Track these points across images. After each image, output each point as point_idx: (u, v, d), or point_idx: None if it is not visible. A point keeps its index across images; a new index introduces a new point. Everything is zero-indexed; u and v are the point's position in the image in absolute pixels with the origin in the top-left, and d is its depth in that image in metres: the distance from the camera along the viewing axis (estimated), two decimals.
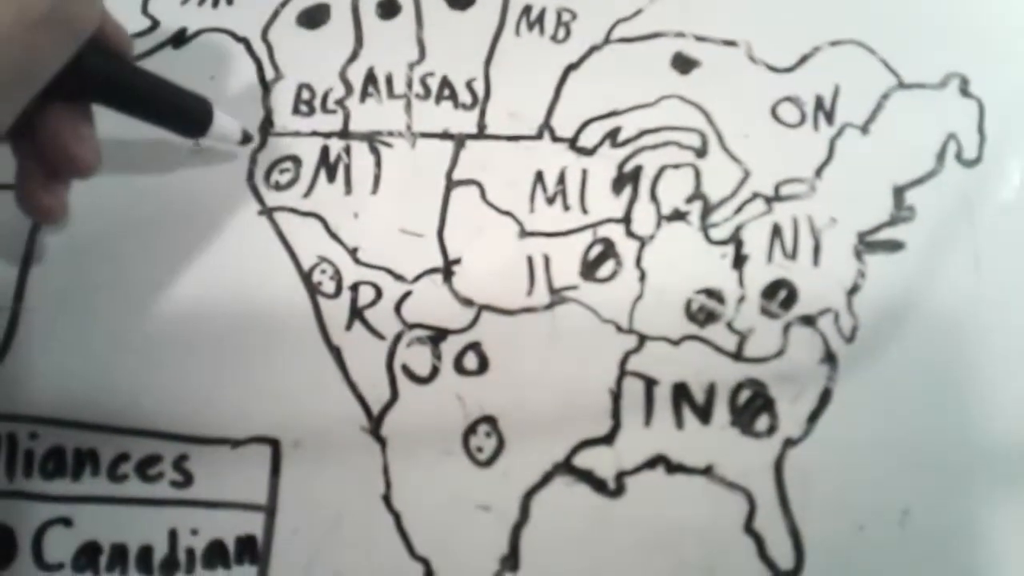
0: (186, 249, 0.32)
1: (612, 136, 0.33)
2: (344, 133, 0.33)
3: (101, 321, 0.31)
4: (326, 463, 0.29)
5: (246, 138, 0.32)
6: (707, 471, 0.28)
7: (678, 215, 0.32)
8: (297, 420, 0.29)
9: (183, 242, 0.32)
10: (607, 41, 0.34)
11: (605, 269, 0.31)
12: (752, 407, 0.29)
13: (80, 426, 0.30)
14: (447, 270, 0.31)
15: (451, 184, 0.32)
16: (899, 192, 0.31)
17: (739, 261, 0.31)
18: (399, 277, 0.31)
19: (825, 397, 0.29)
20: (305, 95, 0.34)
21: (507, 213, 0.32)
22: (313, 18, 0.36)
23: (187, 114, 0.30)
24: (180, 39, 0.36)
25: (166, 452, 0.29)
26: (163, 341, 0.31)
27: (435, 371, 0.30)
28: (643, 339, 0.30)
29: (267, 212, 0.32)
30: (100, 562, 0.28)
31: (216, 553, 0.28)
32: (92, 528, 0.28)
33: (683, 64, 0.34)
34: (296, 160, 0.33)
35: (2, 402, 0.30)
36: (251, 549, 0.28)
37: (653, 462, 0.29)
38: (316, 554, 0.28)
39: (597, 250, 0.31)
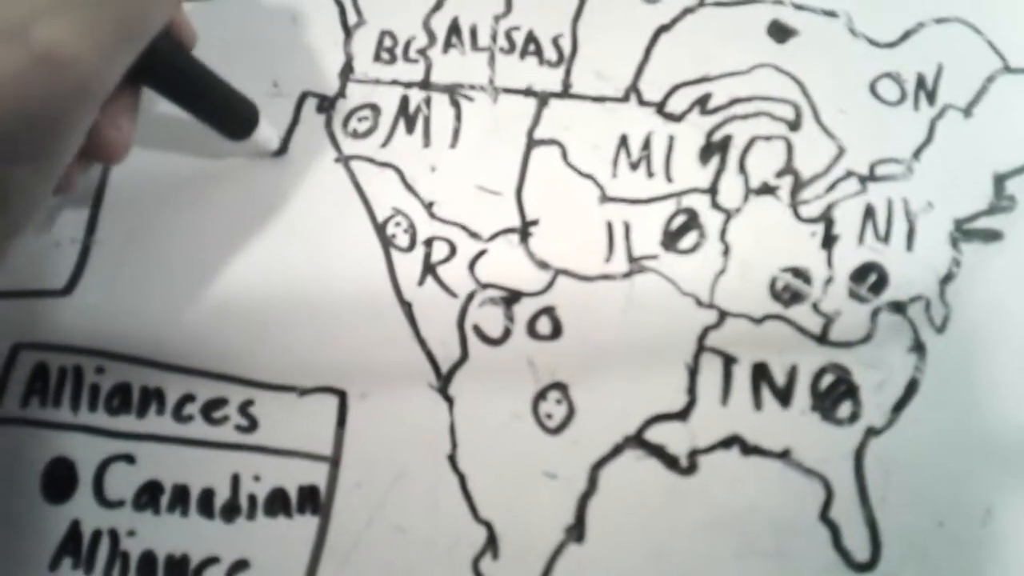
0: (260, 192, 0.31)
1: (702, 103, 0.32)
2: (425, 84, 0.33)
3: (173, 261, 0.31)
4: (392, 418, 0.28)
5: (280, 150, 0.32)
6: (784, 455, 0.27)
7: (767, 189, 0.30)
8: (365, 373, 0.29)
9: (258, 185, 0.31)
10: (702, 4, 0.33)
11: (688, 240, 0.30)
12: (835, 393, 0.28)
13: (147, 363, 0.29)
14: (524, 231, 0.30)
15: (532, 143, 0.31)
16: (1000, 180, 0.30)
17: (828, 241, 0.30)
18: (474, 235, 0.30)
19: (912, 387, 0.28)
20: (387, 42, 0.33)
21: (588, 176, 0.31)
22: None
23: (235, 117, 0.29)
24: None
25: (232, 396, 0.29)
26: (234, 284, 0.30)
27: (507, 333, 0.29)
28: (724, 315, 0.29)
29: (343, 160, 0.32)
30: (161, 501, 0.28)
31: (278, 501, 0.28)
32: (155, 467, 0.28)
33: (780, 32, 0.32)
34: (375, 108, 0.32)
35: (70, 334, 0.30)
36: (313, 499, 0.27)
37: (728, 442, 0.28)
38: (378, 509, 0.27)
39: (680, 220, 0.30)
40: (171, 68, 0.26)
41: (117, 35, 0.21)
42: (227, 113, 0.29)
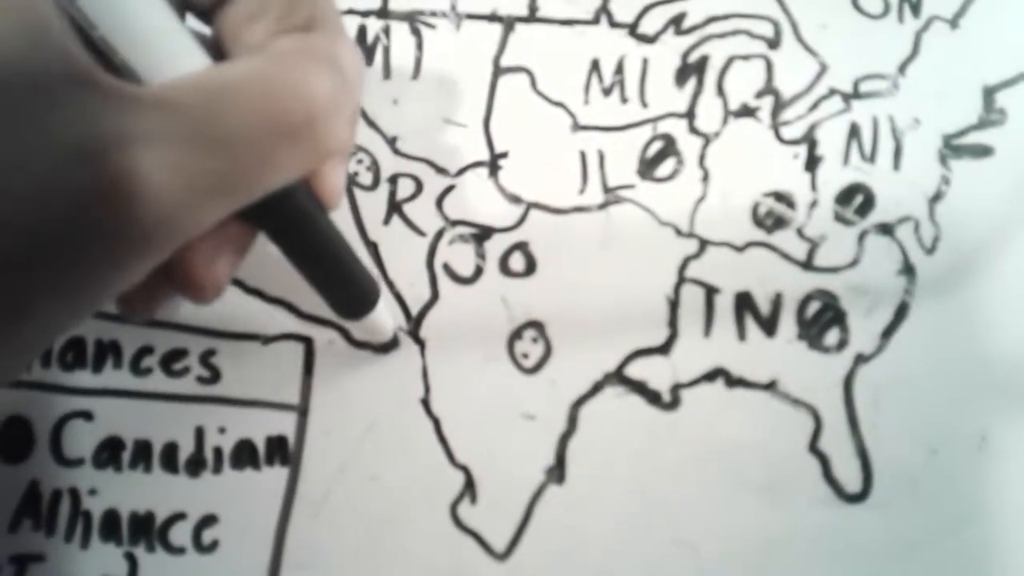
0: None
1: (676, 23, 0.30)
2: (383, 12, 0.31)
3: None
4: (361, 364, 0.27)
5: (392, 344, 0.27)
6: (770, 386, 0.26)
7: (746, 111, 0.29)
8: (331, 318, 0.27)
9: None
10: None
11: (665, 168, 0.29)
12: (821, 320, 0.27)
13: (101, 315, 0.28)
14: (493, 164, 0.29)
15: (498, 71, 0.30)
16: (989, 93, 0.29)
17: (812, 163, 0.28)
18: (441, 170, 0.29)
19: (901, 312, 0.27)
20: None
21: (559, 104, 0.29)
22: None
23: (354, 294, 0.24)
24: None
25: (192, 346, 0.27)
26: None
27: (479, 271, 0.28)
28: (704, 244, 0.28)
29: None
30: (123, 458, 0.27)
31: (245, 453, 0.26)
32: (114, 423, 0.27)
33: None
34: None
35: None
36: (282, 450, 0.26)
37: (712, 375, 0.27)
38: (350, 457, 0.26)
39: (657, 147, 0.29)
40: (291, 224, 0.21)
41: (217, 186, 0.17)
42: (343, 290, 0.24)
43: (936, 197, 0.28)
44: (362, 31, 0.30)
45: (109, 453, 0.27)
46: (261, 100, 0.18)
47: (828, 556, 0.25)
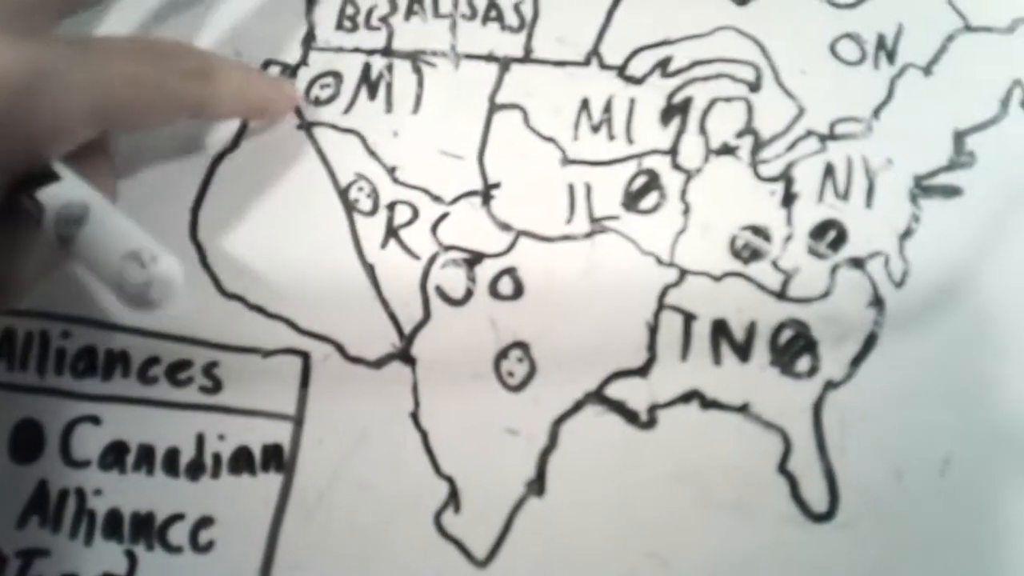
0: (224, 158, 0.32)
1: (663, 66, 0.32)
2: (387, 51, 0.33)
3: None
4: (355, 377, 0.29)
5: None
6: (743, 409, 0.28)
7: (727, 149, 0.31)
8: (328, 334, 0.29)
9: (220, 151, 0.32)
10: None
11: (648, 200, 0.30)
12: (793, 347, 0.28)
13: (112, 327, 0.29)
14: (486, 193, 0.31)
15: (494, 107, 0.32)
16: (959, 137, 0.30)
17: (788, 199, 0.30)
18: (436, 198, 0.31)
19: (870, 341, 0.28)
20: (349, 10, 0.33)
21: (550, 139, 0.31)
22: None
23: None
24: None
25: (197, 358, 0.29)
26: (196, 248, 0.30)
27: (469, 294, 0.29)
28: (684, 273, 0.29)
29: (306, 127, 0.32)
30: (127, 461, 0.28)
31: (242, 459, 0.28)
32: (120, 428, 0.28)
33: None
34: (337, 76, 0.33)
35: (36, 300, 0.30)
36: (277, 457, 0.28)
37: (688, 397, 0.28)
38: (341, 466, 0.28)
39: (641, 181, 0.30)
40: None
41: None
42: None
43: (906, 234, 0.29)
44: (367, 68, 0.33)
45: (115, 456, 0.28)
46: None
47: (794, 571, 0.26)
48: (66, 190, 0.23)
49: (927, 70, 0.31)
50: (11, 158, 0.22)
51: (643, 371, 0.28)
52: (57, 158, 0.23)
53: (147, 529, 0.27)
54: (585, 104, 0.31)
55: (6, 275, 0.24)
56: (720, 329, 0.29)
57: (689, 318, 0.29)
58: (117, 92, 0.24)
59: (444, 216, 0.30)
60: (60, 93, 0.22)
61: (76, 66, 0.23)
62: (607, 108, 0.31)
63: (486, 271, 0.30)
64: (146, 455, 0.28)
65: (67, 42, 0.24)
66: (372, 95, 0.32)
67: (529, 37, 0.32)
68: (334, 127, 0.32)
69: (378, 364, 0.29)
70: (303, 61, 0.33)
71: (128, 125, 0.26)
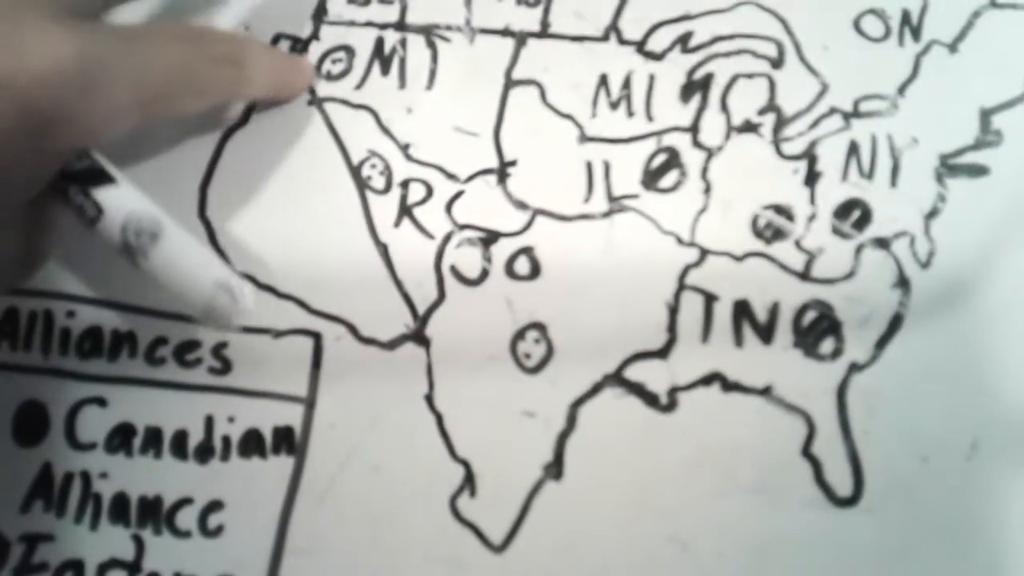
0: (233, 134, 0.31)
1: (683, 41, 0.31)
2: (400, 25, 0.32)
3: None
4: (368, 359, 0.28)
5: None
6: (765, 391, 0.27)
7: (749, 127, 0.30)
8: (341, 314, 0.28)
9: (229, 127, 0.31)
10: None
11: (668, 179, 0.29)
12: (817, 329, 0.28)
13: (118, 307, 0.29)
14: (502, 171, 0.30)
15: (510, 83, 0.31)
16: (986, 115, 0.30)
17: (812, 178, 0.29)
18: (451, 176, 0.30)
19: (895, 323, 0.27)
20: None
21: (567, 116, 0.30)
22: None
23: None
24: None
25: (205, 338, 0.28)
26: (205, 226, 0.30)
27: (485, 274, 0.29)
28: (705, 253, 0.29)
29: (317, 102, 0.31)
30: (134, 444, 0.27)
31: (252, 442, 0.27)
32: (127, 409, 0.28)
33: None
34: (349, 50, 0.32)
35: (40, 279, 0.29)
36: (288, 440, 0.27)
37: (709, 379, 0.27)
38: (354, 449, 0.27)
39: (661, 159, 0.30)
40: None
41: None
42: None
43: (932, 214, 0.29)
44: (379, 43, 0.32)
45: (121, 438, 0.27)
46: None
47: (818, 556, 0.26)
48: (130, 199, 0.24)
49: (953, 47, 0.30)
50: (62, 147, 0.23)
51: (663, 353, 0.28)
52: (97, 149, 0.24)
53: (155, 513, 0.27)
54: (604, 80, 0.31)
55: (32, 251, 0.25)
56: (742, 310, 0.28)
57: (710, 299, 0.28)
58: (160, 83, 0.25)
59: (459, 194, 0.30)
60: (110, 85, 0.23)
61: (125, 58, 0.23)
62: (626, 84, 0.31)
63: (502, 250, 0.29)
64: (154, 438, 0.27)
65: (117, 34, 0.24)
66: (385, 70, 0.31)
67: (546, 11, 0.32)
68: (346, 103, 0.31)
69: (391, 345, 0.28)
70: (314, 35, 0.32)
71: (165, 114, 0.26)
